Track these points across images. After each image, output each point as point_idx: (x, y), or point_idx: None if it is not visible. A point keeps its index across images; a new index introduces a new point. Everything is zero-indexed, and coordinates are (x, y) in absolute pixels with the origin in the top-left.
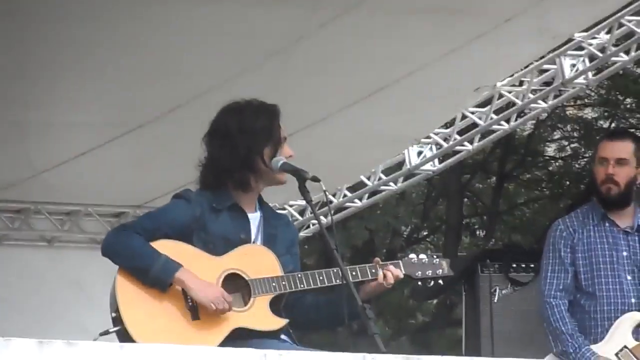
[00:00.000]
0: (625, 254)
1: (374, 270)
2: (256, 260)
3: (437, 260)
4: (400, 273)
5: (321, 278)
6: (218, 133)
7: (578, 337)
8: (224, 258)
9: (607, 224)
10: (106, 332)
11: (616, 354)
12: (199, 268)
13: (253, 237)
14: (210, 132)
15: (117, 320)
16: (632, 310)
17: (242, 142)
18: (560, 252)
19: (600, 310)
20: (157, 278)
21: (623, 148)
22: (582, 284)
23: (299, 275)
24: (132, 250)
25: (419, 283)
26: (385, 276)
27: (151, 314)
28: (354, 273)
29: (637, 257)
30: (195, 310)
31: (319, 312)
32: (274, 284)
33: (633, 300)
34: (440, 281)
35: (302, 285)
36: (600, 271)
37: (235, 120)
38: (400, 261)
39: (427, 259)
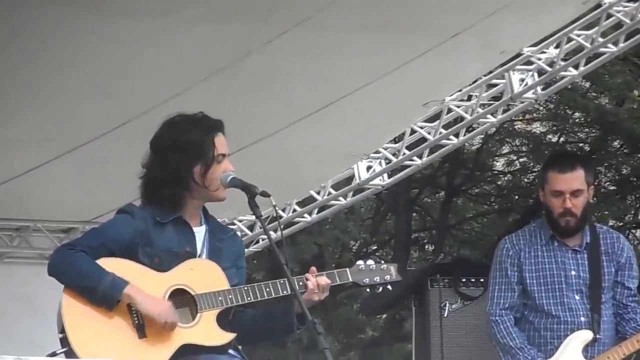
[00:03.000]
0: (573, 273)
1: (301, 283)
2: (202, 274)
3: (385, 265)
4: (325, 280)
5: (268, 290)
6: (153, 147)
7: (530, 350)
8: (170, 273)
9: (555, 243)
10: (54, 354)
11: None
12: (145, 285)
13: (198, 250)
14: (149, 145)
15: (64, 341)
16: (582, 329)
17: (172, 157)
18: (507, 270)
19: (550, 328)
20: (105, 296)
21: (576, 179)
22: (532, 302)
23: (245, 288)
24: (79, 270)
25: (368, 290)
26: (312, 286)
27: (97, 334)
28: (301, 283)
29: (585, 275)
30: (142, 328)
31: (255, 325)
32: (220, 298)
33: (582, 319)
34: (390, 287)
35: (248, 298)
36: (549, 291)
37: (169, 134)
38: (347, 269)
39: (374, 265)
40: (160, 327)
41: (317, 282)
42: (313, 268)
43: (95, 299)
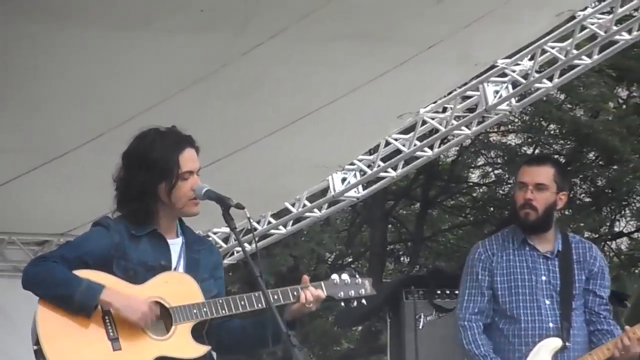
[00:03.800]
0: (544, 278)
1: (295, 293)
2: (177, 287)
3: (360, 280)
4: (321, 293)
5: (243, 303)
6: (123, 160)
7: (493, 359)
8: (144, 286)
9: (527, 248)
10: None
11: None
12: None
13: (174, 263)
14: (121, 158)
15: (39, 353)
16: (550, 335)
17: (138, 174)
18: (478, 275)
19: (518, 335)
20: (82, 302)
21: (542, 173)
22: (501, 307)
23: (220, 301)
24: (53, 279)
25: (342, 304)
26: (305, 297)
27: (72, 345)
28: (275, 297)
29: (556, 281)
30: (117, 340)
31: (245, 334)
32: (195, 311)
33: (551, 325)
34: (364, 301)
35: (223, 311)
36: (519, 295)
37: (136, 150)
38: (322, 282)
39: (349, 279)
40: (135, 339)
41: (310, 293)
42: (305, 277)
43: (71, 306)
